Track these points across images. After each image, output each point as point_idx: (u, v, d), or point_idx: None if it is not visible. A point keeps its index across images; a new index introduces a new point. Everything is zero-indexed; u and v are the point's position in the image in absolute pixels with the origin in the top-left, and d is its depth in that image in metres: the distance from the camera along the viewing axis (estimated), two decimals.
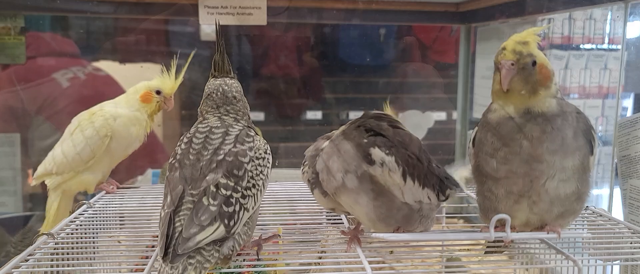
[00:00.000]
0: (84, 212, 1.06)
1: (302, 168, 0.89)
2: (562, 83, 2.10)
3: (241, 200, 0.72)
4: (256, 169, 0.76)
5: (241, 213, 0.72)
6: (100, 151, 1.16)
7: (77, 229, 0.98)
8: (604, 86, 2.17)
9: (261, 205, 1.16)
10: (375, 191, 0.81)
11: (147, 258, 0.93)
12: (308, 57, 2.32)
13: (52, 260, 0.85)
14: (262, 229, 1.11)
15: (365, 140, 0.81)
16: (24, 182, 1.83)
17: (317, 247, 0.98)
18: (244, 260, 0.91)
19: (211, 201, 0.70)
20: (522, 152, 0.79)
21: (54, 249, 0.88)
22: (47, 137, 1.79)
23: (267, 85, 2.30)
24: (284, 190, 1.27)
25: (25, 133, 1.83)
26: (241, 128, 0.80)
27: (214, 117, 0.82)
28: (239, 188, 0.73)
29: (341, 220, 1.06)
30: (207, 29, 2.17)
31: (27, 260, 0.81)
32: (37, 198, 1.88)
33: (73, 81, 1.87)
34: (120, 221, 1.13)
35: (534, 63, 0.78)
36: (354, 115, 2.27)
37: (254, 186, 0.75)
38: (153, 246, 0.98)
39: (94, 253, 1.02)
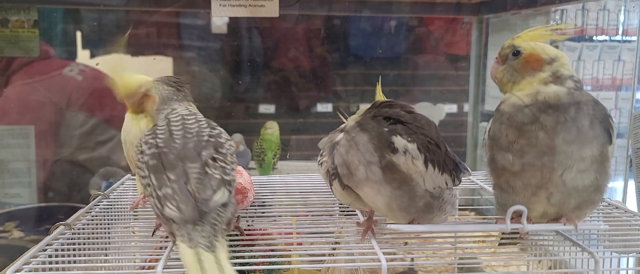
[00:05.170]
0: (99, 203, 1.07)
1: (319, 158, 0.89)
2: None
3: (231, 173, 0.83)
4: (230, 148, 0.87)
5: (233, 182, 0.82)
6: (127, 155, 1.10)
7: (92, 220, 0.99)
8: (617, 78, 2.15)
9: (274, 197, 1.17)
10: (397, 180, 0.80)
11: (161, 248, 0.94)
12: (319, 49, 2.31)
13: (69, 250, 0.86)
14: (275, 221, 1.12)
15: (386, 129, 0.80)
16: (39, 174, 1.85)
17: (330, 238, 0.98)
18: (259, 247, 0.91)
19: (214, 171, 0.80)
20: (538, 144, 0.78)
21: (70, 239, 0.89)
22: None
23: (277, 78, 2.31)
24: (296, 182, 1.27)
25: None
26: (202, 117, 0.90)
27: (181, 106, 0.92)
28: (227, 163, 0.83)
29: (354, 211, 1.06)
30: (218, 21, 2.17)
31: (45, 250, 0.82)
32: (51, 190, 1.90)
33: (82, 73, 1.90)
34: (134, 212, 1.14)
35: (516, 53, 0.82)
36: (365, 107, 2.27)
37: (232, 162, 0.85)
38: (167, 238, 0.99)
39: (109, 243, 1.03)
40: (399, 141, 0.79)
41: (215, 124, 0.89)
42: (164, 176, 0.78)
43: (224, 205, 0.78)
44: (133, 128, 1.07)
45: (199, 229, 0.73)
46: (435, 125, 0.85)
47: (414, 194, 0.81)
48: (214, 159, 0.81)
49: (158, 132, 0.85)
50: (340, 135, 0.85)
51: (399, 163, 0.79)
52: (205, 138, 0.84)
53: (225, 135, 0.88)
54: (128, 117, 1.08)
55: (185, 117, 0.88)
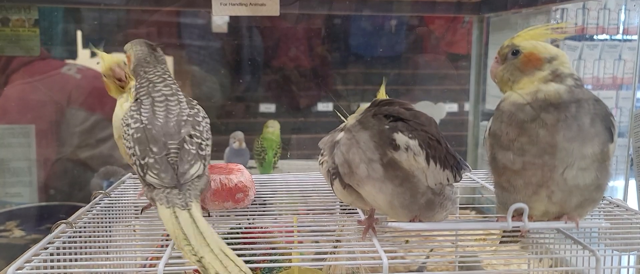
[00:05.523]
0: (100, 202, 1.07)
1: (320, 158, 0.89)
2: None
3: (206, 147, 0.93)
4: (206, 125, 0.96)
5: (208, 156, 0.92)
6: (124, 154, 1.11)
7: (93, 219, 0.99)
8: (618, 77, 2.15)
9: (275, 195, 1.18)
10: (399, 177, 0.80)
11: (162, 247, 0.94)
12: (319, 48, 2.31)
13: (70, 248, 0.86)
14: (276, 220, 1.12)
15: (387, 126, 0.80)
16: (39, 173, 1.85)
17: (331, 237, 0.98)
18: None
19: (191, 147, 0.90)
20: (539, 142, 0.78)
21: (72, 237, 0.89)
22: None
23: (278, 77, 2.31)
24: (297, 181, 1.27)
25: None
26: (182, 96, 0.98)
27: (157, 74, 0.99)
28: (203, 139, 0.93)
29: (355, 210, 1.06)
30: (219, 20, 2.17)
31: (46, 248, 0.82)
32: (52, 189, 1.90)
33: (80, 72, 1.91)
34: (135, 210, 1.14)
35: (516, 52, 0.82)
36: (366, 106, 2.27)
37: (208, 138, 0.95)
38: (168, 236, 0.99)
39: (110, 242, 1.03)
40: (401, 138, 0.79)
41: (194, 102, 0.99)
42: (147, 148, 0.89)
43: (198, 176, 0.88)
44: (118, 111, 1.11)
45: (175, 193, 0.83)
46: (435, 122, 0.85)
47: (416, 191, 0.81)
48: (191, 136, 0.91)
49: (143, 109, 0.94)
50: (341, 134, 0.85)
51: (401, 160, 0.79)
52: (185, 117, 0.93)
53: (202, 113, 0.97)
54: (117, 104, 1.13)
55: (169, 97, 0.96)
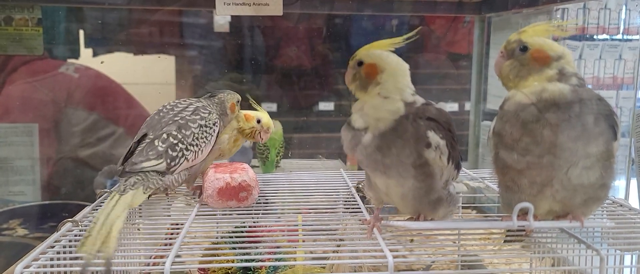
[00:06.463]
0: (105, 200, 1.07)
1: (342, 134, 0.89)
2: None
3: (184, 151, 0.98)
4: (202, 133, 1.02)
5: (182, 159, 0.98)
6: None
7: None
8: (618, 77, 2.15)
9: (278, 193, 1.18)
10: (423, 173, 0.81)
11: (167, 245, 0.94)
12: (321, 48, 2.32)
13: (76, 247, 0.86)
14: (279, 218, 1.12)
15: (422, 123, 0.81)
16: (42, 171, 1.85)
17: (335, 235, 0.99)
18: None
19: (160, 144, 0.96)
20: (543, 141, 0.78)
21: (78, 236, 0.89)
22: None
23: (279, 76, 2.31)
24: (299, 180, 1.27)
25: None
26: (199, 105, 1.07)
27: (190, 99, 1.11)
28: (183, 142, 0.98)
29: (359, 208, 1.06)
30: (221, 20, 2.17)
31: (53, 246, 0.83)
32: (55, 187, 1.90)
33: (78, 71, 1.92)
34: (139, 209, 1.14)
35: (524, 48, 0.81)
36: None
37: (196, 145, 1.01)
38: (172, 233, 0.99)
39: None
40: (433, 136, 0.81)
41: (206, 113, 1.05)
42: (136, 136, 0.99)
43: (158, 173, 0.94)
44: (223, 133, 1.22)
45: (123, 181, 0.92)
46: (451, 118, 0.86)
47: (430, 187, 0.83)
48: (168, 135, 0.97)
49: (160, 107, 1.06)
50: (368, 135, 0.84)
51: (429, 158, 0.81)
52: (177, 119, 1.01)
53: (204, 121, 1.04)
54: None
55: (180, 102, 1.07)
